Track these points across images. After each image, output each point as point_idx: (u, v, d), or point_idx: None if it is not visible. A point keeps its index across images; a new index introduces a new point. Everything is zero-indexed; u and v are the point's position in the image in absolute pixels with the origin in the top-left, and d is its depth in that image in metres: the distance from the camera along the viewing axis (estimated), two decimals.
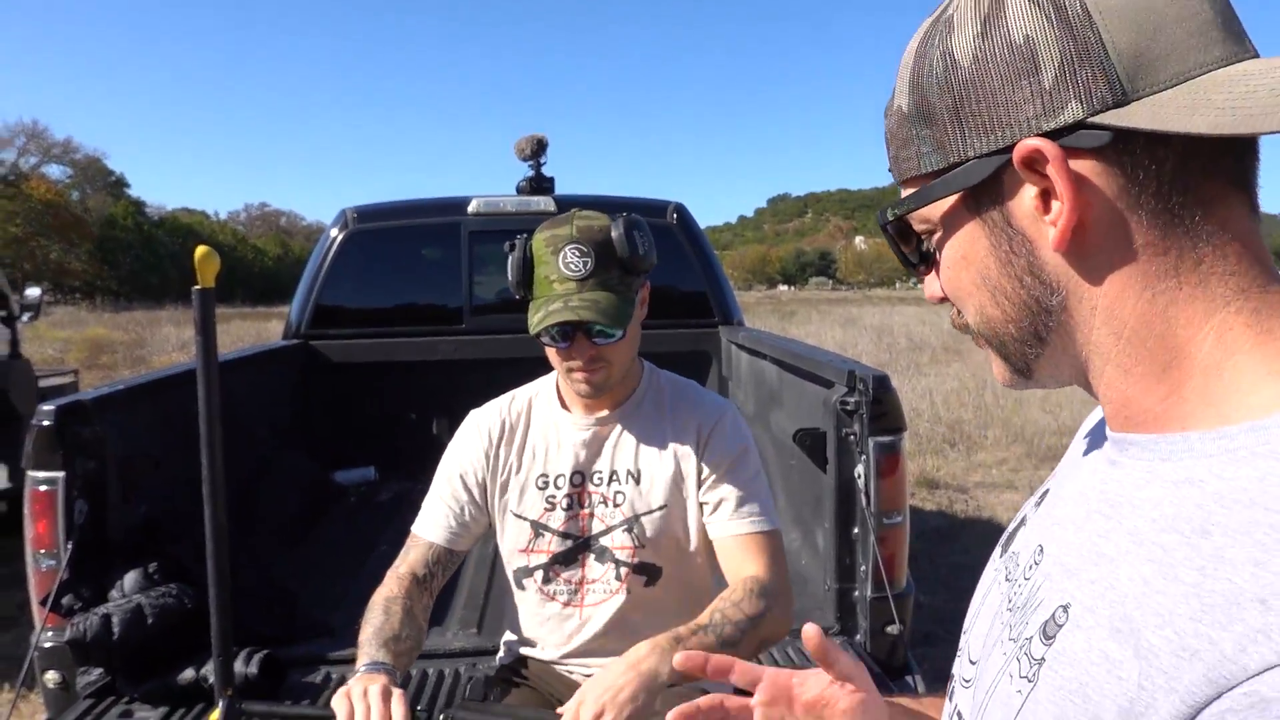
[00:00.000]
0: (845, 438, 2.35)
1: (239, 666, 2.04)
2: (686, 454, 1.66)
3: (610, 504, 1.67)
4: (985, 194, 0.58)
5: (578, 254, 1.52)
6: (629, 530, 1.66)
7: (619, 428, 1.69)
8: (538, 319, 1.54)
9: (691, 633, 1.43)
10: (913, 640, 2.60)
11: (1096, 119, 0.53)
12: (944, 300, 0.67)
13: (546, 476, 1.69)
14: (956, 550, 5.33)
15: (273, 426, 3.69)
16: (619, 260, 1.55)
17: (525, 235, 1.62)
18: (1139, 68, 0.52)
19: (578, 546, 1.67)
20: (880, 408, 2.28)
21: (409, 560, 1.65)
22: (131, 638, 2.06)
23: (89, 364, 14.18)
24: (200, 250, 1.66)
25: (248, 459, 3.31)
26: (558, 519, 1.68)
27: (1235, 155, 0.54)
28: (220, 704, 1.41)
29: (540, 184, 4.16)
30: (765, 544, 1.60)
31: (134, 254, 63.36)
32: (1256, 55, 0.54)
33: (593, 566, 1.67)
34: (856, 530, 2.36)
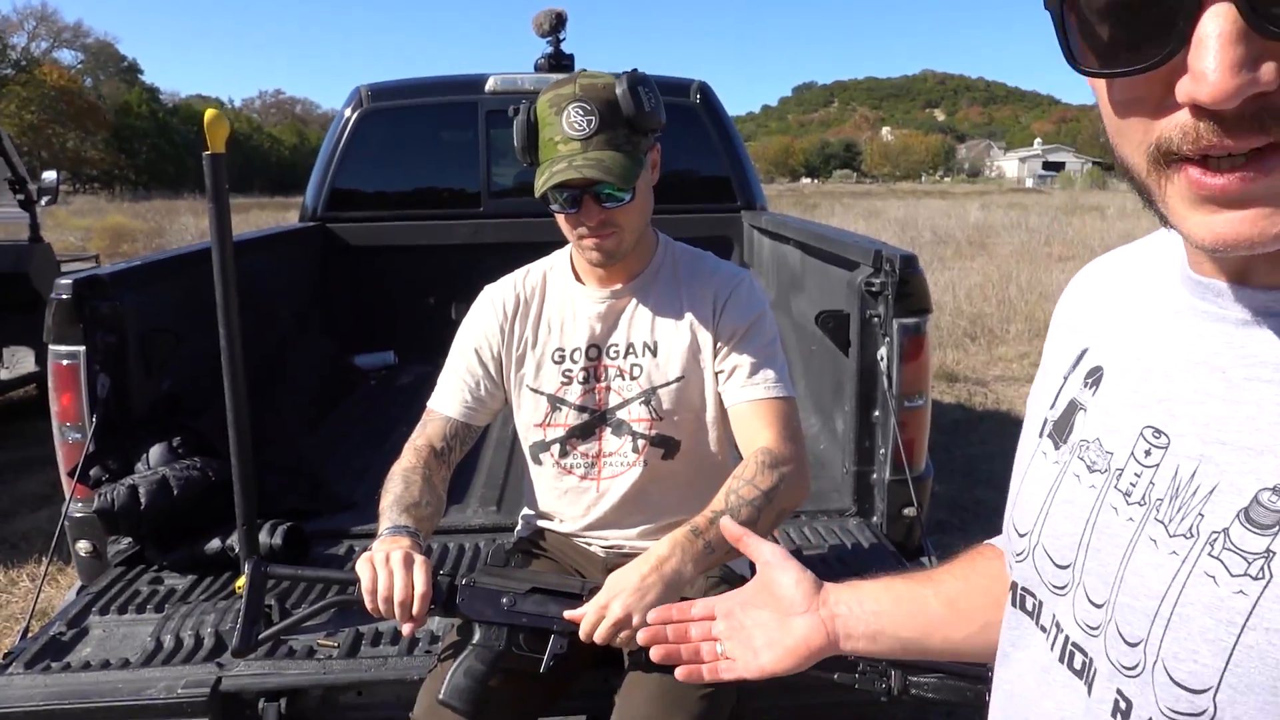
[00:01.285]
0: (869, 319, 2.31)
1: (264, 537, 2.08)
2: (702, 324, 1.64)
3: (627, 377, 1.65)
4: None
5: (581, 112, 1.47)
6: (646, 403, 1.64)
7: (635, 300, 1.67)
8: (542, 180, 1.49)
9: (709, 522, 1.43)
10: (928, 526, 2.61)
11: None
12: (1239, 94, 0.43)
13: (563, 350, 1.68)
14: (974, 441, 5.35)
15: (291, 310, 3.68)
16: (625, 119, 1.49)
17: (530, 100, 1.56)
18: None
19: (595, 420, 1.67)
20: (906, 288, 2.23)
21: (426, 433, 1.65)
22: (158, 508, 2.09)
23: (110, 252, 14.22)
24: (210, 114, 1.62)
25: (268, 340, 3.31)
26: (574, 393, 1.67)
27: None
28: (247, 566, 1.44)
29: (559, 61, 4.01)
30: (779, 410, 1.58)
31: (150, 142, 62.77)
32: None
33: (609, 440, 1.67)
34: (877, 413, 2.34)
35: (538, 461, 1.73)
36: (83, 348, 2.15)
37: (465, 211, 4.14)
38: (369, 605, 1.37)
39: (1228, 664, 0.48)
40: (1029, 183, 74.12)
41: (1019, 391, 6.49)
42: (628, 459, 1.67)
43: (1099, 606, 0.58)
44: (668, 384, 1.64)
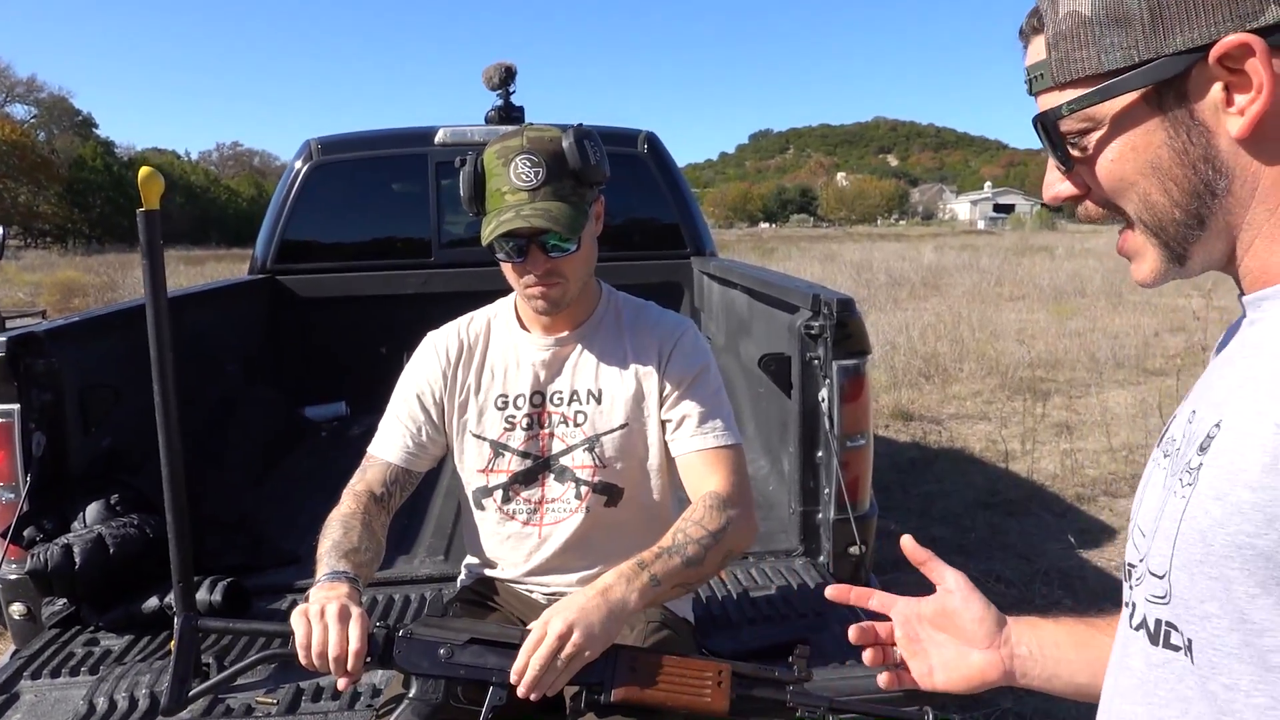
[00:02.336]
0: (809, 362, 2.35)
1: (203, 594, 2.05)
2: (647, 372, 1.66)
3: (571, 423, 1.67)
4: (1170, 90, 0.65)
5: (529, 164, 1.50)
6: (590, 449, 1.65)
7: (579, 347, 1.68)
8: (489, 229, 1.51)
9: (655, 557, 1.44)
10: (880, 566, 2.64)
11: None
12: (1068, 200, 0.75)
13: (506, 396, 1.68)
14: (929, 479, 5.40)
15: (240, 362, 3.65)
16: (571, 171, 1.53)
17: (477, 151, 1.58)
18: None
19: (538, 466, 1.67)
20: (844, 331, 2.28)
21: (366, 479, 1.65)
22: (94, 567, 2.05)
23: (60, 306, 14.00)
24: (144, 171, 1.63)
25: (214, 394, 3.28)
26: (517, 439, 1.67)
27: None
28: (177, 620, 1.41)
29: (509, 114, 4.06)
30: (727, 458, 1.60)
31: (104, 196, 62.07)
32: None
33: (552, 486, 1.67)
34: (820, 454, 2.37)
35: (480, 507, 1.73)
36: (17, 406, 2.12)
37: (416, 262, 4.15)
38: (303, 660, 1.36)
39: (1174, 550, 0.65)
40: (981, 224, 75.74)
41: (973, 429, 6.59)
42: (570, 505, 1.67)
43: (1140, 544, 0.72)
44: (611, 431, 1.65)
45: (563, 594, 1.70)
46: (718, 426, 1.62)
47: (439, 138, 4.08)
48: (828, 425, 2.31)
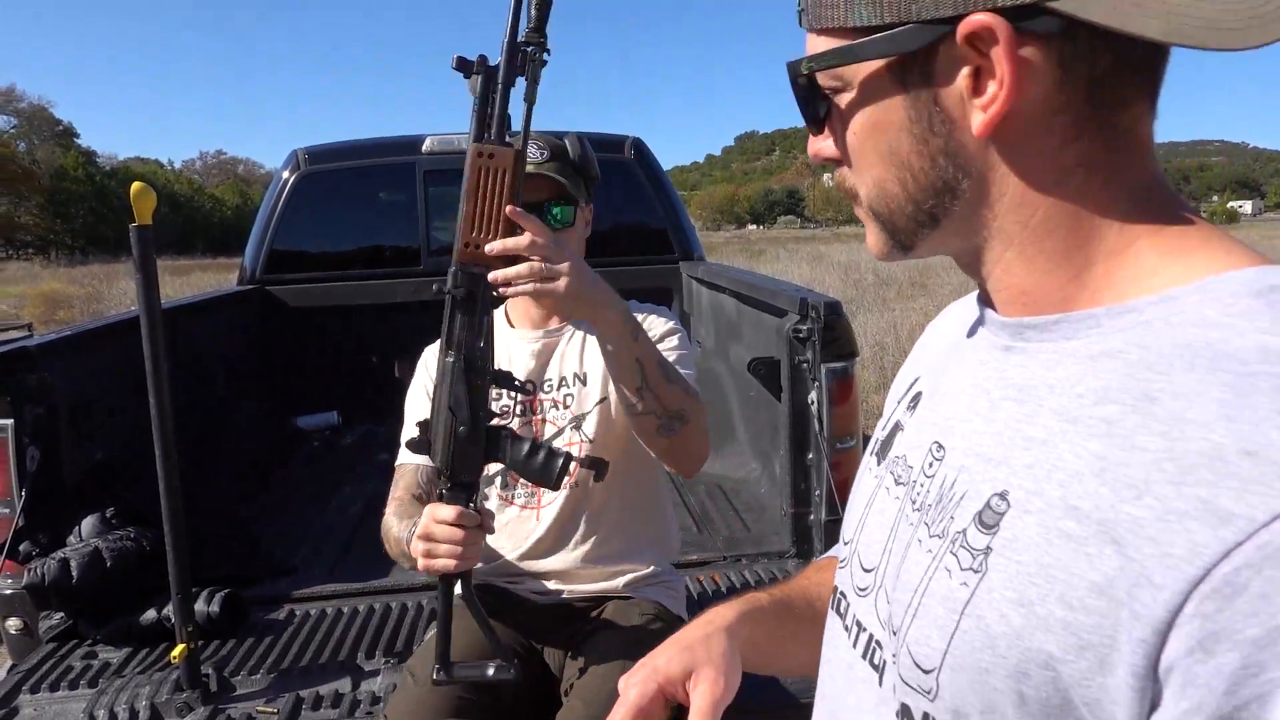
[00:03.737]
0: (798, 365, 2.38)
1: (201, 606, 2.06)
2: None
3: (560, 406, 1.72)
4: (915, 64, 0.55)
5: (535, 146, 1.62)
6: (576, 428, 1.71)
7: (566, 337, 1.76)
8: None
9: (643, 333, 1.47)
10: None
11: (1054, 4, 0.50)
12: (830, 161, 0.65)
13: (500, 390, 1.73)
14: None
15: (231, 373, 3.66)
16: (571, 161, 1.66)
17: None
18: None
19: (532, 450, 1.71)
20: (832, 334, 2.31)
21: (401, 486, 1.69)
22: (91, 580, 2.06)
23: (45, 319, 13.91)
24: (135, 186, 1.64)
25: (206, 405, 3.28)
26: (512, 426, 1.71)
27: (1159, 62, 0.54)
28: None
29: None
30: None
31: (88, 206, 61.82)
32: None
33: None
34: (811, 456, 2.40)
35: (484, 496, 1.76)
36: (11, 421, 2.13)
37: (405, 270, 4.16)
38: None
39: (948, 647, 0.54)
40: None
41: None
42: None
43: (890, 605, 0.63)
44: (594, 407, 1.71)
45: (559, 592, 1.73)
46: (685, 370, 1.64)
47: (426, 145, 4.10)
48: (818, 427, 2.34)
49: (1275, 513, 0.41)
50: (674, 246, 4.27)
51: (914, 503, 0.63)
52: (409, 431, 1.74)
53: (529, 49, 1.23)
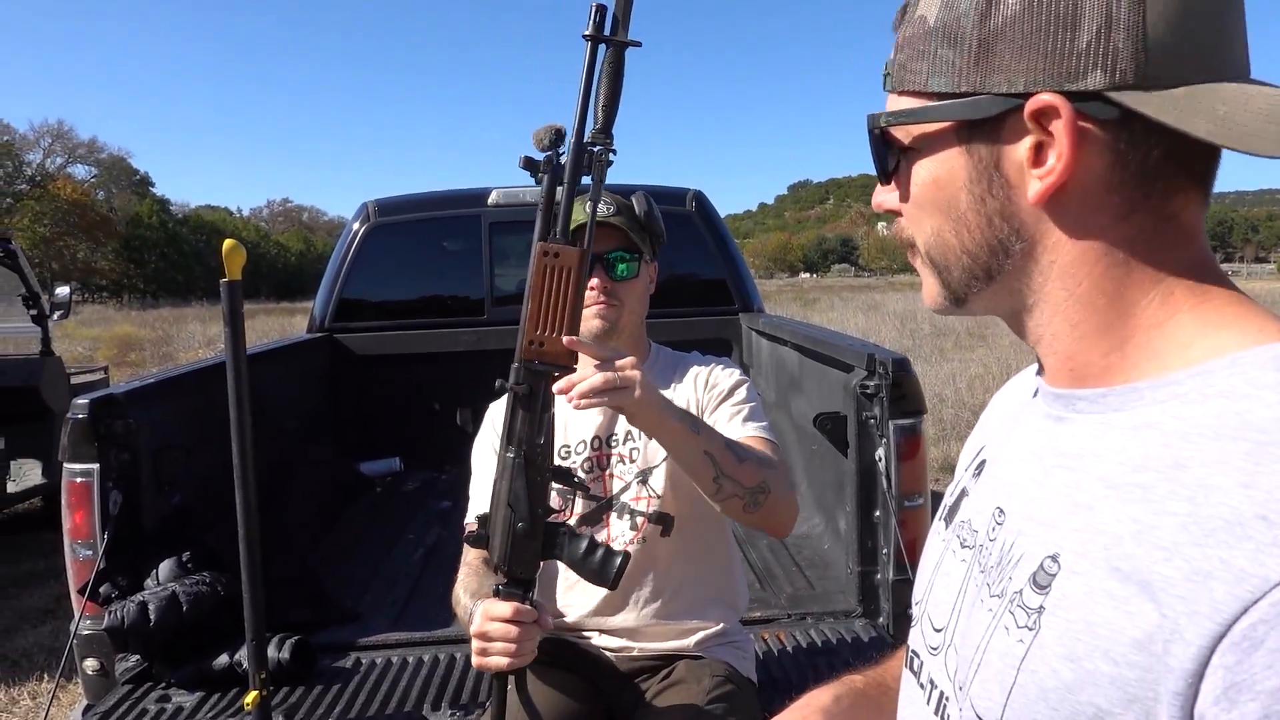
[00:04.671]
0: (865, 421, 2.36)
1: (271, 652, 2.09)
2: (690, 397, 1.74)
3: (627, 461, 1.73)
4: (982, 131, 0.60)
5: (604, 202, 1.65)
6: (643, 481, 1.72)
7: None
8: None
9: (708, 431, 1.49)
10: None
11: (1115, 95, 0.55)
12: (890, 212, 0.70)
13: (567, 445, 1.75)
14: None
15: (299, 419, 3.74)
16: (637, 218, 1.70)
17: None
18: (1167, 58, 0.55)
19: (601, 507, 1.73)
20: (900, 390, 2.29)
21: (473, 551, 1.70)
22: (167, 624, 2.11)
23: (117, 361, 14.38)
24: (228, 244, 1.70)
25: (275, 451, 3.36)
26: (581, 478, 1.72)
27: (1210, 158, 0.59)
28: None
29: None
30: (769, 446, 1.64)
31: (159, 252, 64.13)
32: (1263, 83, 0.58)
33: (615, 524, 1.73)
34: (878, 513, 2.37)
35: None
36: (97, 465, 2.20)
37: (469, 319, 4.24)
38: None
39: (1007, 700, 0.57)
40: None
41: None
42: (627, 537, 1.71)
43: (956, 661, 0.66)
44: (661, 461, 1.71)
45: (629, 649, 1.72)
46: (757, 422, 1.68)
47: (492, 199, 4.19)
48: (885, 485, 2.31)
49: None
50: (734, 298, 4.29)
51: (980, 565, 0.66)
52: (475, 491, 1.77)
53: (595, 149, 1.26)
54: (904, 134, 0.64)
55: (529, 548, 1.33)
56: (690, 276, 4.33)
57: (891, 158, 0.67)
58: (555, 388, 1.31)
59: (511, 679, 1.38)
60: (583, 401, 1.31)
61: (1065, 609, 0.54)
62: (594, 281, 1.66)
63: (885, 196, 0.69)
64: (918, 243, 0.67)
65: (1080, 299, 0.60)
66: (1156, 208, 0.58)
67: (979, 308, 0.66)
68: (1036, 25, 0.56)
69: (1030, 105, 0.57)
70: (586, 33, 1.21)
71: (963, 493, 0.75)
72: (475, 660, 1.36)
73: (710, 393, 1.73)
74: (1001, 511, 0.65)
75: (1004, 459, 0.70)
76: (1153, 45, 0.55)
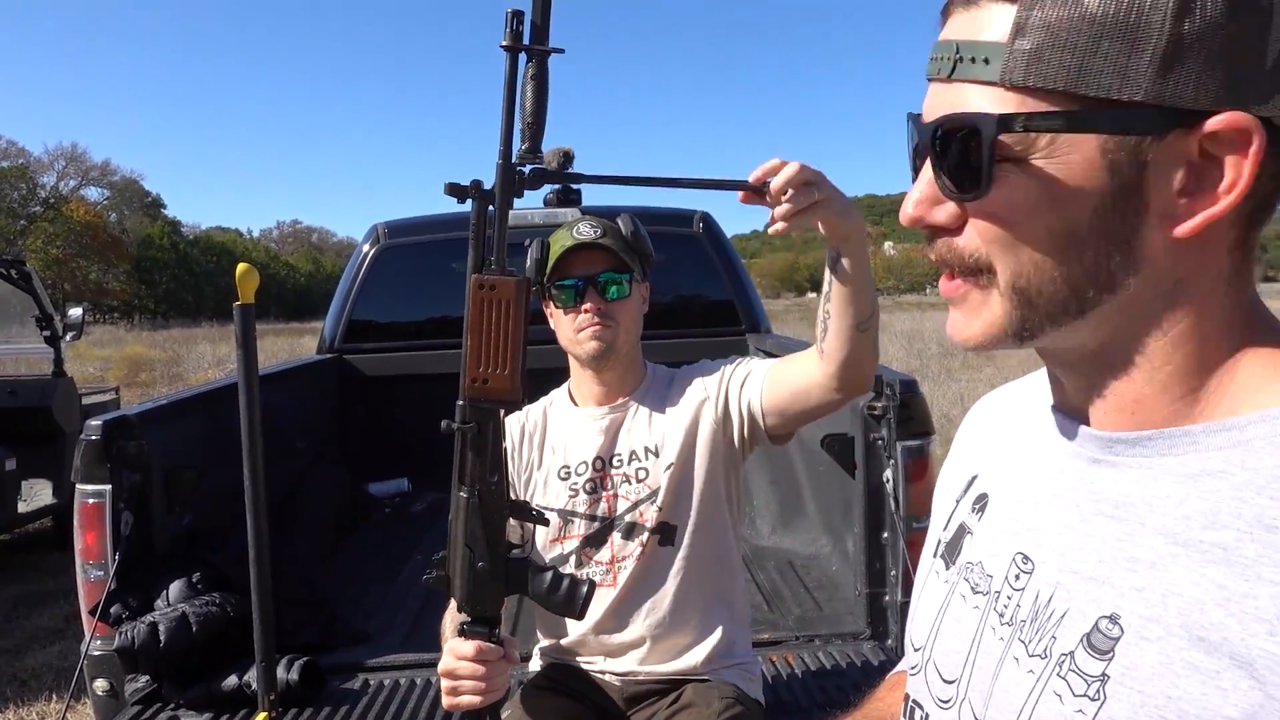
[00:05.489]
0: (873, 442, 2.36)
1: (280, 673, 2.10)
2: (693, 400, 1.74)
3: (634, 480, 1.73)
4: (1135, 146, 0.50)
5: (589, 224, 1.70)
6: (653, 500, 1.71)
7: (632, 411, 1.77)
8: (551, 265, 1.68)
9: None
10: None
11: None
12: (936, 228, 0.58)
13: (568, 467, 1.76)
14: None
15: (308, 439, 3.75)
16: (624, 238, 1.71)
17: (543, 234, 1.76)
18: None
19: (605, 527, 1.73)
20: (907, 412, 2.29)
21: None
22: (177, 645, 2.11)
23: (128, 381, 14.44)
24: (241, 267, 1.73)
25: (284, 471, 3.37)
26: (582, 503, 1.74)
27: None
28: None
29: (567, 196, 4.17)
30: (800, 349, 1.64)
31: (170, 273, 64.60)
32: None
33: (620, 544, 1.72)
34: (886, 535, 2.37)
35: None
36: (109, 486, 2.21)
37: None
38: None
39: None
40: None
41: None
42: (635, 554, 1.72)
43: None
44: (668, 471, 1.71)
45: (635, 674, 1.72)
46: (772, 358, 1.70)
47: None
48: (893, 506, 2.31)
49: None
50: (741, 319, 4.30)
51: (1001, 616, 0.60)
52: None
53: (524, 169, 1.21)
54: (1020, 140, 0.52)
55: (491, 586, 1.31)
56: (698, 298, 4.34)
57: (981, 164, 0.53)
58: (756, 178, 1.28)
59: (487, 715, 1.37)
60: (781, 225, 1.29)
61: (1137, 680, 0.49)
62: (587, 304, 1.68)
63: (937, 211, 0.57)
64: (997, 269, 0.55)
65: (1172, 339, 0.53)
66: (1247, 239, 0.52)
67: (1046, 342, 0.57)
68: (1232, 34, 0.48)
69: (1214, 124, 0.48)
70: (504, 43, 1.14)
71: (962, 529, 0.69)
72: (446, 701, 1.35)
73: (719, 379, 1.73)
74: (1026, 559, 0.60)
75: (1020, 499, 0.64)
76: None
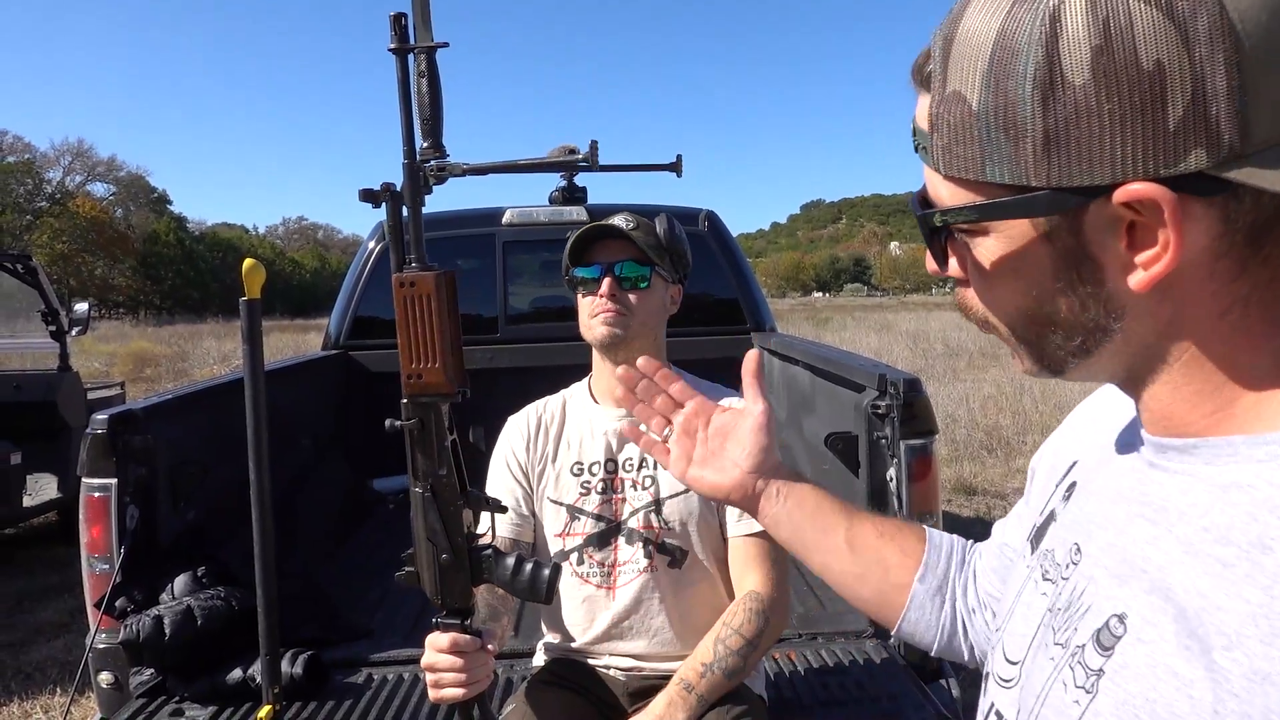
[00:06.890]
0: (877, 441, 2.36)
1: (284, 667, 2.10)
2: None
3: (639, 487, 1.74)
4: (1064, 222, 0.53)
5: (624, 217, 1.71)
6: (654, 511, 1.72)
7: None
8: (570, 250, 1.71)
9: (699, 676, 1.54)
10: None
11: (1221, 172, 0.48)
12: (954, 279, 0.63)
13: (581, 464, 1.76)
14: None
15: (313, 435, 3.76)
16: (656, 235, 1.72)
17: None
18: (1274, 116, 0.47)
19: (610, 530, 1.73)
20: (911, 411, 2.29)
21: None
22: (182, 639, 2.12)
23: (133, 377, 14.48)
24: (247, 263, 1.73)
25: (289, 467, 3.38)
26: (592, 502, 1.74)
27: None
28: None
29: (573, 194, 4.21)
30: (768, 549, 1.67)
31: (176, 269, 64.76)
32: None
33: (624, 549, 1.73)
34: None
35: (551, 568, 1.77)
36: (115, 480, 2.22)
37: (482, 337, 4.26)
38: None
39: None
40: None
41: None
42: (639, 566, 1.72)
43: (1020, 702, 0.64)
44: (674, 495, 1.71)
45: (639, 669, 1.73)
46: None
47: (506, 218, 4.23)
48: (896, 505, 2.31)
49: None
50: (746, 318, 4.30)
51: (1052, 603, 0.62)
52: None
53: (428, 165, 1.21)
54: (965, 223, 0.57)
55: (458, 577, 1.31)
56: (703, 296, 4.34)
57: (950, 241, 0.60)
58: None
59: (475, 708, 1.37)
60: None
61: (1126, 679, 0.50)
62: (603, 291, 1.69)
63: (946, 267, 0.63)
64: (993, 321, 0.61)
65: (1186, 364, 0.54)
66: (1269, 258, 0.51)
67: (1079, 377, 0.61)
68: (1113, 108, 0.48)
69: (1120, 196, 0.49)
70: (391, 46, 1.14)
71: (1050, 516, 0.70)
72: (431, 694, 1.35)
73: None
74: (1078, 550, 0.61)
75: (1092, 490, 0.65)
76: (1253, 107, 0.47)
